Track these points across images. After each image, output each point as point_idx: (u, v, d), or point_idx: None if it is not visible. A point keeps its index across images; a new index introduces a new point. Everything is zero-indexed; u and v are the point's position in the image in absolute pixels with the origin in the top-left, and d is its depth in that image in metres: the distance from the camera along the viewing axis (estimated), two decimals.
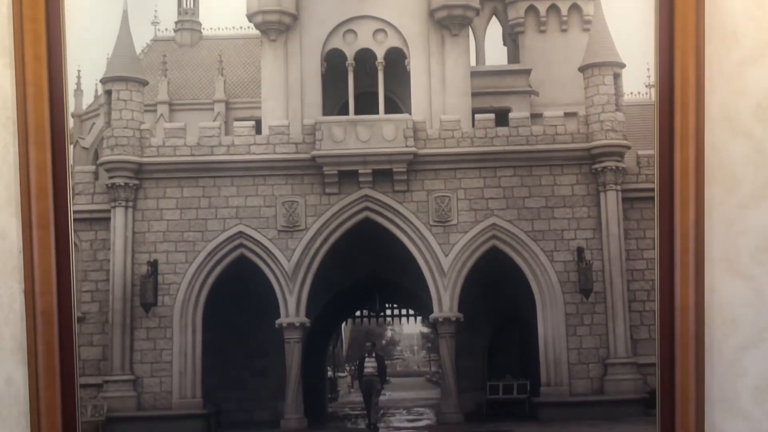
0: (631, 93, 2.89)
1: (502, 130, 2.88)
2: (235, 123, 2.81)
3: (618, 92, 2.89)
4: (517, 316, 2.95)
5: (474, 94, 2.86)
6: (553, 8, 2.91)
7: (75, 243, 2.64)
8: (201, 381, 2.88)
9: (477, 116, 2.87)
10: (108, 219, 2.82)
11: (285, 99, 2.82)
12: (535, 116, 2.88)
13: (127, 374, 2.87)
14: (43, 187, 2.65)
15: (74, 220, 2.64)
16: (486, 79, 2.85)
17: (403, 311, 2.98)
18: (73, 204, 2.66)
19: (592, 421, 2.88)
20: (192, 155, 2.83)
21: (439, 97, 2.85)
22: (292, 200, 2.86)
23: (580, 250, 2.89)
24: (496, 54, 2.91)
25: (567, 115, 2.89)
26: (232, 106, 2.80)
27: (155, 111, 2.78)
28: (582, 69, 2.89)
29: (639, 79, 2.87)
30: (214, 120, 2.77)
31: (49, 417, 2.66)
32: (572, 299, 2.90)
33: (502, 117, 2.89)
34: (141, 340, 2.87)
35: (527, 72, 2.84)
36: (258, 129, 2.85)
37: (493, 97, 2.88)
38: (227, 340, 2.89)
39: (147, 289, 2.86)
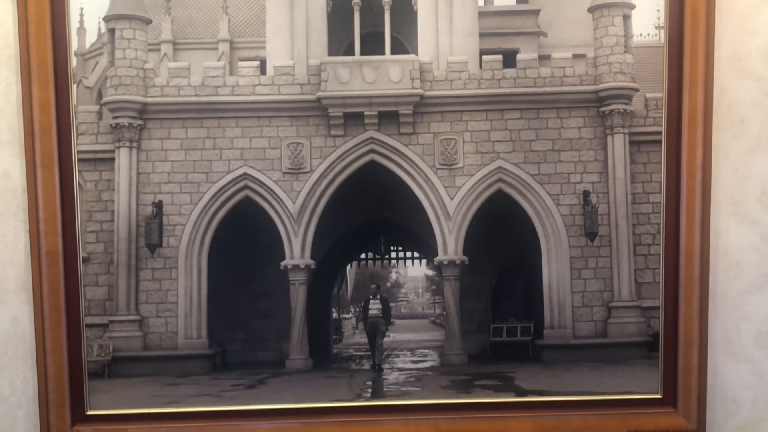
0: (641, 35, 2.95)
1: (510, 72, 2.94)
2: (240, 63, 2.88)
3: (627, 34, 2.95)
4: (521, 260, 3.04)
5: (482, 35, 2.90)
6: None
7: (79, 183, 2.72)
8: (206, 322, 3.00)
9: (484, 57, 2.93)
10: (112, 159, 2.89)
11: (290, 39, 2.87)
12: (543, 58, 2.94)
13: (132, 314, 2.99)
14: (46, 126, 2.73)
15: (78, 160, 2.72)
16: (494, 19, 2.90)
17: (408, 254, 3.07)
18: (77, 144, 2.75)
19: (595, 363, 3.01)
20: (196, 95, 2.90)
21: (446, 37, 2.91)
22: (297, 142, 2.94)
23: (586, 194, 2.99)
24: None
25: (575, 56, 2.96)
26: (237, 46, 2.86)
27: (159, 50, 2.84)
28: (591, 10, 2.93)
29: (648, 20, 2.94)
30: (219, 60, 2.84)
31: (55, 356, 2.79)
32: (577, 243, 3.01)
33: (509, 58, 2.95)
34: (146, 281, 2.98)
35: (536, 13, 2.88)
36: (263, 69, 2.92)
37: (500, 38, 2.94)
38: (232, 282, 2.99)
39: (152, 230, 2.97)
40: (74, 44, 2.75)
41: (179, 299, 2.93)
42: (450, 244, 2.93)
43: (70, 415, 2.84)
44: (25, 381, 2.83)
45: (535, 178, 2.96)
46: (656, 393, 2.88)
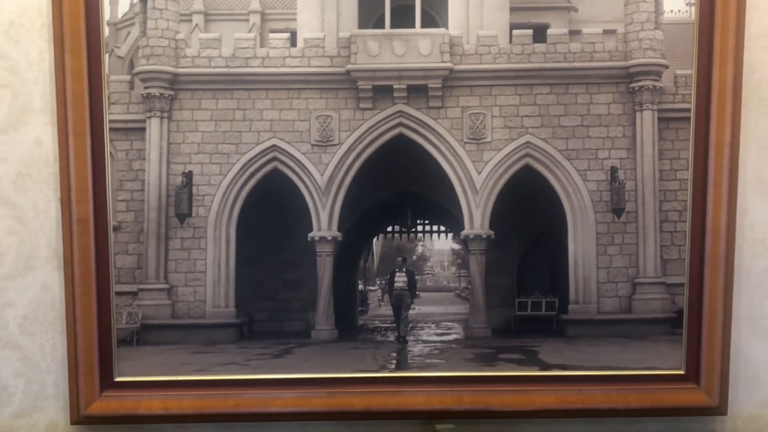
0: (671, 11, 3.03)
1: (540, 47, 3.03)
2: (270, 35, 2.97)
3: (658, 10, 3.02)
4: (547, 235, 3.14)
5: (512, 9, 2.97)
6: None
7: (110, 152, 2.85)
8: (234, 291, 3.12)
9: (514, 32, 3.01)
10: (143, 129, 3.00)
11: (321, 11, 2.96)
12: (574, 33, 3.02)
13: (161, 283, 3.11)
14: (79, 95, 2.84)
15: (110, 129, 2.84)
16: None
17: (435, 227, 3.17)
18: (108, 113, 2.87)
19: (619, 339, 3.13)
20: (227, 67, 3.00)
21: (476, 11, 2.99)
22: (326, 114, 3.04)
23: (613, 170, 3.08)
24: None
25: (606, 32, 3.04)
26: (268, 18, 2.95)
27: (190, 21, 2.94)
28: None
29: None
30: (249, 31, 2.93)
31: (85, 323, 2.92)
32: (604, 218, 3.11)
33: (539, 33, 3.03)
34: (175, 250, 3.10)
35: None
36: (293, 41, 3.01)
37: (531, 13, 3.01)
38: (260, 253, 3.10)
39: (182, 200, 3.08)
40: (107, 14, 2.85)
41: (207, 269, 3.04)
42: (476, 218, 3.03)
43: (99, 381, 2.97)
44: (55, 347, 2.97)
45: (563, 154, 3.05)
46: (679, 369, 2.99)
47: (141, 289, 3.06)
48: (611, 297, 3.07)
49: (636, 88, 2.99)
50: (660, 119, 3.03)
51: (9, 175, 2.99)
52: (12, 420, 3.09)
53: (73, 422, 3.05)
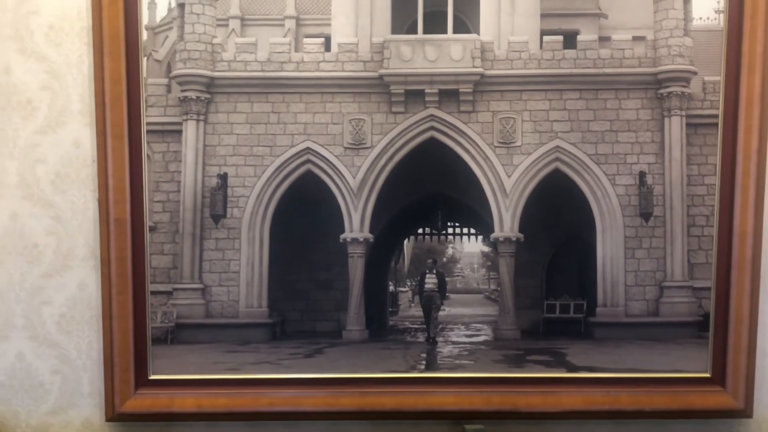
0: (700, 18, 3.13)
1: (570, 53, 3.13)
2: (305, 40, 3.09)
3: (687, 17, 3.12)
4: (576, 238, 3.23)
5: (543, 16, 3.08)
6: None
7: (147, 154, 2.97)
8: (267, 291, 3.23)
9: (545, 38, 3.12)
10: (180, 131, 3.12)
11: (355, 16, 3.07)
12: (603, 39, 3.13)
13: (196, 283, 3.22)
14: (117, 97, 2.96)
15: (147, 131, 2.96)
16: (556, 0, 3.09)
17: (465, 230, 3.27)
18: (146, 116, 2.99)
19: (646, 341, 3.23)
20: (262, 71, 3.11)
21: (508, 17, 3.10)
22: (359, 118, 3.15)
23: (642, 174, 3.19)
24: None
25: (635, 39, 3.14)
26: (303, 23, 3.06)
27: (227, 26, 3.05)
28: None
29: (708, 4, 3.12)
30: (285, 36, 3.05)
31: (121, 321, 3.03)
32: (632, 222, 3.21)
33: (570, 39, 3.14)
34: (210, 251, 3.22)
35: None
36: (327, 46, 3.13)
37: (561, 19, 3.11)
38: (293, 253, 3.21)
39: (217, 201, 3.20)
40: (145, 18, 2.97)
41: (241, 269, 3.15)
42: (506, 221, 3.13)
43: (134, 379, 3.08)
44: (91, 345, 3.08)
45: (592, 158, 3.15)
46: (705, 372, 3.08)
47: (176, 289, 3.17)
48: (639, 300, 3.17)
49: (665, 94, 3.09)
50: (688, 125, 3.12)
51: (48, 176, 3.11)
52: (48, 416, 3.21)
53: (108, 419, 3.16)
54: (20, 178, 3.09)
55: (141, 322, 3.14)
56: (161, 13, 3.06)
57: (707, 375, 3.15)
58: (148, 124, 3.08)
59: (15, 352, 3.17)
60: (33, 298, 3.14)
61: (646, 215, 3.14)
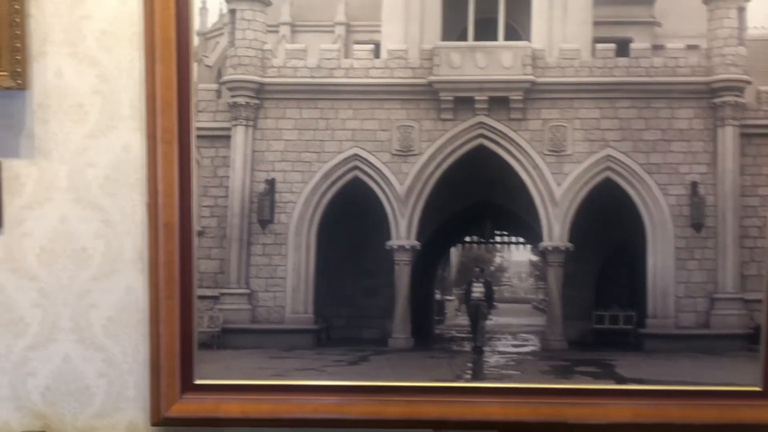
0: (755, 27, 3.14)
1: (622, 61, 3.13)
2: (355, 46, 3.12)
3: (741, 26, 3.12)
4: (626, 248, 3.23)
5: (595, 24, 3.09)
6: None
7: (196, 159, 3.01)
8: (313, 297, 3.26)
9: (597, 46, 3.13)
10: (228, 137, 3.16)
11: (405, 23, 3.10)
12: (657, 48, 3.13)
13: (242, 288, 3.26)
14: (168, 102, 3.01)
15: (196, 136, 3.01)
16: (608, 8, 3.07)
17: (513, 239, 3.28)
18: (196, 121, 3.04)
19: (696, 354, 3.21)
20: (312, 77, 3.15)
21: (559, 24, 3.10)
22: (408, 125, 3.18)
23: (694, 185, 3.18)
24: None
25: (689, 47, 3.14)
26: (353, 29, 3.09)
27: (277, 32, 3.09)
28: (706, 1, 3.08)
29: (763, 13, 3.12)
30: (335, 42, 3.08)
31: (168, 325, 3.07)
32: (683, 233, 3.20)
33: (622, 47, 3.14)
34: (257, 256, 3.25)
35: (651, 2, 3.06)
36: (377, 53, 3.16)
37: (614, 27, 3.12)
38: (339, 260, 3.23)
39: (264, 207, 3.23)
40: (196, 24, 3.02)
41: (288, 275, 3.18)
42: (555, 230, 3.14)
43: (180, 383, 3.12)
44: (137, 349, 3.13)
45: (644, 168, 3.15)
46: (756, 385, 3.07)
47: (222, 294, 3.21)
48: (689, 312, 3.16)
49: (718, 104, 3.09)
50: (742, 135, 3.12)
51: (97, 179, 3.16)
52: (93, 420, 3.26)
53: (154, 424, 3.20)
54: (70, 181, 3.15)
55: (187, 327, 3.19)
56: (212, 18, 3.10)
57: (759, 389, 3.14)
58: (197, 129, 3.13)
59: (62, 355, 3.23)
60: (80, 301, 3.20)
61: (697, 226, 3.13)
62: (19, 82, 3.00)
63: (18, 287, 3.16)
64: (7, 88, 2.99)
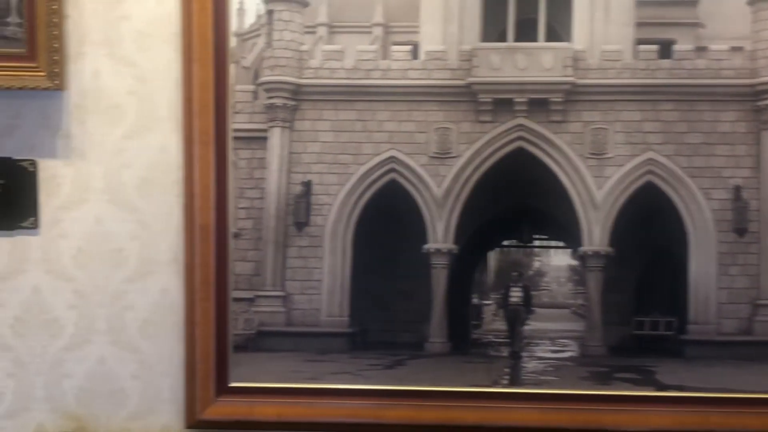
0: None
1: (665, 63, 3.09)
2: (392, 47, 3.11)
3: None
4: (667, 252, 3.19)
5: (638, 25, 3.07)
6: None
7: (233, 160, 3.01)
8: (349, 300, 3.25)
9: (639, 47, 3.10)
10: (265, 138, 3.16)
11: (443, 24, 3.08)
12: (700, 49, 3.10)
13: (278, 290, 3.26)
14: (205, 104, 3.00)
15: (233, 138, 3.01)
16: (651, 9, 3.04)
17: (552, 243, 3.26)
18: (232, 122, 3.03)
19: (739, 361, 3.18)
20: (349, 78, 3.14)
21: (601, 26, 3.08)
22: (445, 127, 3.16)
23: (737, 189, 3.14)
24: None
25: (733, 49, 3.10)
26: (391, 30, 3.08)
27: (315, 33, 3.09)
28: (750, 3, 3.06)
29: None
30: (372, 44, 3.07)
31: (204, 328, 3.07)
32: (726, 238, 3.16)
33: (665, 49, 3.11)
34: (292, 258, 3.24)
35: (694, 4, 3.03)
36: (415, 54, 3.14)
37: (657, 28, 3.08)
38: (375, 263, 3.22)
39: (300, 209, 3.23)
40: (234, 25, 3.02)
41: (324, 277, 3.17)
42: (595, 234, 3.11)
43: (215, 386, 3.12)
44: (171, 351, 3.13)
45: (686, 171, 3.11)
46: None
47: (258, 296, 3.21)
48: (731, 318, 3.13)
49: (762, 107, 3.05)
50: None
51: (133, 180, 3.17)
52: (127, 422, 3.26)
53: (188, 426, 3.21)
54: (106, 182, 3.16)
55: (223, 329, 3.19)
56: (249, 19, 3.09)
57: None
58: (234, 130, 3.13)
59: (97, 357, 3.24)
60: (116, 302, 3.21)
61: (740, 230, 3.09)
62: (57, 82, 3.00)
63: (54, 288, 3.17)
64: (45, 89, 2.99)
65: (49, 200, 3.15)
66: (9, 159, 3.13)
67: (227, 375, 3.19)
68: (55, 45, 3.00)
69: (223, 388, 3.19)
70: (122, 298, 3.19)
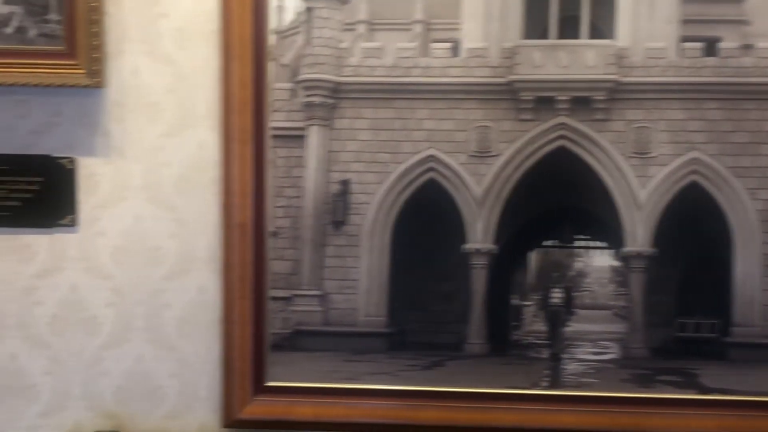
0: None
1: (710, 61, 3.05)
2: (432, 44, 3.09)
3: None
4: (711, 254, 3.15)
5: (682, 22, 3.03)
6: None
7: (271, 159, 3.01)
8: (386, 300, 3.24)
9: (684, 45, 3.06)
10: (303, 136, 3.16)
11: (485, 21, 3.06)
12: (746, 47, 3.05)
13: (315, 289, 3.25)
14: (243, 102, 3.00)
15: (271, 136, 3.01)
16: (696, 5, 2.99)
17: (594, 243, 3.23)
18: (271, 120, 3.03)
19: None
20: (388, 76, 3.13)
21: (645, 23, 3.04)
22: (486, 125, 3.14)
23: None
24: None
25: None
26: (431, 27, 3.06)
27: (354, 30, 3.08)
28: None
29: None
30: (412, 41, 3.05)
31: (242, 326, 3.07)
32: None
33: (710, 47, 3.07)
34: (330, 257, 3.23)
35: (740, 0, 3.00)
36: (455, 51, 3.13)
37: (702, 26, 3.04)
38: (413, 263, 3.20)
39: (338, 208, 3.22)
40: (273, 22, 3.02)
41: (361, 277, 3.16)
42: (638, 234, 3.08)
43: (252, 385, 3.12)
44: (209, 349, 3.13)
45: (731, 171, 3.07)
46: None
47: (295, 295, 3.20)
48: None
49: None
50: None
51: (171, 178, 3.17)
52: (164, 420, 3.27)
53: (225, 425, 3.21)
54: (144, 180, 3.17)
55: (260, 328, 3.19)
56: (289, 17, 3.09)
57: None
58: (272, 128, 3.12)
59: (134, 355, 3.25)
60: (153, 300, 3.22)
61: None
62: (97, 80, 3.01)
63: (91, 286, 3.19)
64: (85, 86, 3.00)
65: (87, 198, 3.17)
66: (48, 157, 3.15)
67: (264, 374, 3.19)
68: (95, 43, 3.01)
69: (260, 388, 3.19)
70: (160, 296, 3.20)
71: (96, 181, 3.15)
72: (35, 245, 3.19)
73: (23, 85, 3.03)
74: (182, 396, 3.24)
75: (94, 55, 3.01)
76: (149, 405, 3.25)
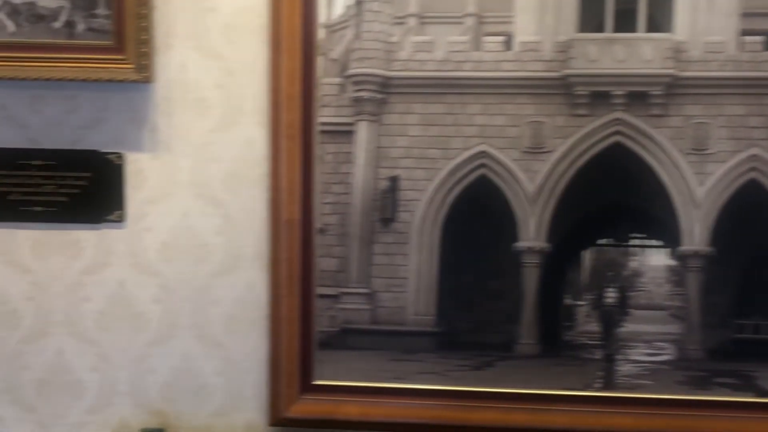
0: None
1: None
2: (485, 38, 3.05)
3: None
4: None
5: (742, 15, 2.96)
6: None
7: (319, 155, 2.98)
8: (436, 299, 3.21)
9: (745, 39, 2.99)
10: (352, 132, 3.13)
11: (539, 14, 3.00)
12: None
13: (363, 287, 3.23)
14: (292, 97, 2.98)
15: (319, 131, 2.98)
16: None
17: (650, 242, 3.17)
18: (319, 116, 3.00)
19: None
20: (439, 70, 3.09)
21: (704, 16, 2.97)
22: (539, 120, 3.09)
23: None
24: None
25: None
26: (484, 21, 3.01)
27: (404, 24, 3.04)
28: None
29: None
30: (464, 35, 3.01)
31: (289, 324, 3.05)
32: None
33: None
34: (378, 255, 3.20)
35: None
36: (508, 45, 3.08)
37: (763, 19, 2.98)
38: (462, 261, 3.16)
39: (387, 204, 3.18)
40: (322, 16, 2.99)
41: (410, 275, 3.13)
42: (696, 233, 3.02)
43: (299, 383, 3.10)
44: (255, 347, 3.12)
45: None
46: None
47: (343, 293, 3.18)
48: None
49: None
50: None
51: (219, 174, 3.16)
52: (211, 418, 3.27)
53: (272, 424, 3.20)
54: (192, 176, 3.16)
55: (308, 326, 3.18)
56: (338, 10, 3.06)
57: None
58: (320, 124, 3.10)
59: (181, 352, 3.25)
60: (201, 297, 3.21)
61: None
62: (145, 75, 3.01)
63: (139, 282, 3.19)
64: (133, 81, 2.99)
65: (135, 194, 3.17)
66: (96, 152, 3.15)
67: (311, 372, 3.18)
68: (143, 37, 3.00)
69: (307, 386, 3.18)
70: (207, 293, 3.19)
71: (144, 176, 3.15)
72: (83, 241, 3.20)
73: (71, 80, 3.03)
74: (229, 394, 3.23)
75: (142, 50, 3.01)
76: (195, 403, 3.25)
